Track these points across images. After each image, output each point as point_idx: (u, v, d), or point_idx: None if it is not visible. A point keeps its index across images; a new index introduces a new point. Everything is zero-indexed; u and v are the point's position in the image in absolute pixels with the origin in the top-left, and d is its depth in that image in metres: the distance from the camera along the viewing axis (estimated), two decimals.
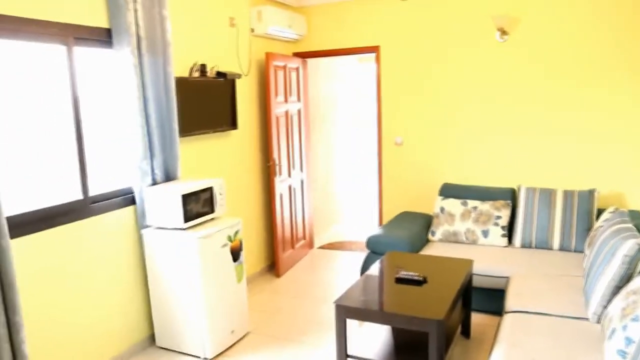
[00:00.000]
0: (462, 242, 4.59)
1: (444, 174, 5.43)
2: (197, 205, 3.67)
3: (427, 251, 4.44)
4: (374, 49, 5.59)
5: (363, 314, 3.00)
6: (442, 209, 4.72)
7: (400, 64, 5.47)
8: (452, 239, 4.62)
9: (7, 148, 2.97)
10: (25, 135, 3.08)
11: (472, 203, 4.65)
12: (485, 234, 4.49)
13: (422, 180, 5.55)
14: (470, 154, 5.27)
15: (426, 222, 4.91)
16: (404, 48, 5.42)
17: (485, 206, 4.59)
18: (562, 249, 4.30)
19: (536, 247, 4.39)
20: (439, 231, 4.67)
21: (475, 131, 5.22)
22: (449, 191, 4.93)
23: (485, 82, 5.11)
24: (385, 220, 5.81)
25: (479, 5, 5.01)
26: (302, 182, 5.97)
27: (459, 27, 5.13)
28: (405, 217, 5.03)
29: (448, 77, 5.26)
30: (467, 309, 3.75)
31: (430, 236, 4.74)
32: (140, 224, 3.72)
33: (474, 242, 4.54)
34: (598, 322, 2.86)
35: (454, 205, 4.69)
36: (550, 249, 4.34)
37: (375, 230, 4.69)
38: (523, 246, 4.43)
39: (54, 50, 3.22)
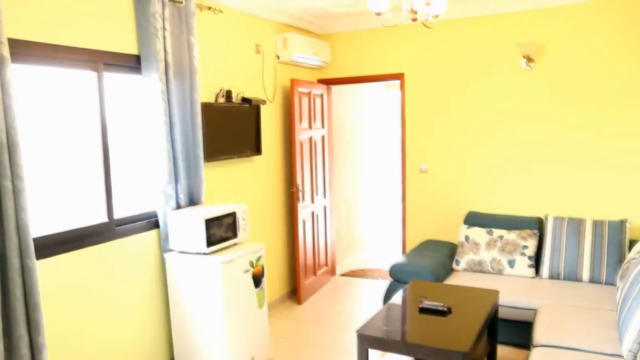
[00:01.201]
0: (487, 272, 4.49)
1: (468, 202, 5.35)
2: (220, 230, 3.67)
3: (452, 280, 4.35)
4: (398, 76, 5.60)
5: (386, 344, 2.93)
6: (466, 238, 4.64)
7: (425, 90, 5.46)
8: (477, 268, 4.52)
9: (36, 170, 3.02)
10: (53, 157, 3.14)
11: (497, 232, 4.57)
12: (512, 264, 4.39)
13: (447, 208, 5.48)
14: (495, 182, 5.20)
15: (450, 251, 4.83)
16: (429, 75, 5.42)
17: (511, 235, 4.49)
18: (592, 281, 4.17)
19: (565, 279, 4.26)
20: (464, 260, 4.58)
21: (501, 159, 5.15)
22: (473, 219, 4.85)
23: (511, 109, 5.06)
24: (408, 248, 5.73)
25: (504, 32, 5.00)
26: (325, 208, 5.95)
27: (485, 54, 5.12)
28: (429, 246, 4.95)
29: (473, 104, 5.23)
30: (493, 342, 3.64)
31: (454, 265, 4.65)
32: (164, 247, 3.73)
33: (499, 272, 4.44)
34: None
35: (479, 234, 4.61)
36: (580, 280, 4.22)
37: (398, 258, 4.63)
38: (551, 277, 4.31)
39: (84, 76, 3.29)
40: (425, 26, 3.30)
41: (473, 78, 5.20)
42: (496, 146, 5.16)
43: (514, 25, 4.96)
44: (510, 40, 4.98)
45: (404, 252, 5.75)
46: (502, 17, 5.00)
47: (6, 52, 2.62)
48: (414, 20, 3.20)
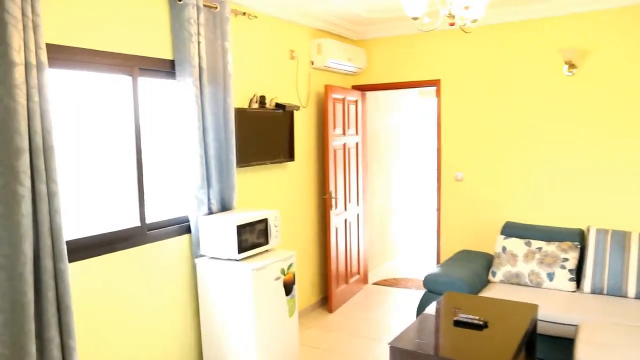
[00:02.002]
0: (525, 285, 4.33)
1: (506, 211, 5.19)
2: (252, 236, 3.64)
3: (488, 293, 4.21)
4: (434, 83, 5.50)
5: (419, 358, 2.84)
6: (503, 249, 4.50)
7: (462, 97, 5.34)
8: (514, 280, 4.37)
9: (70, 174, 3.05)
10: (88, 161, 3.17)
11: (536, 243, 4.41)
12: (551, 277, 4.22)
13: (483, 217, 5.33)
14: (534, 192, 5.03)
15: (486, 262, 4.69)
16: (466, 81, 5.30)
17: (550, 247, 4.33)
18: (638, 297, 3.97)
19: (608, 294, 4.08)
20: (500, 272, 4.43)
21: (540, 167, 4.98)
22: (511, 230, 4.69)
23: (551, 117, 4.89)
24: (443, 258, 5.60)
25: (545, 37, 4.85)
26: (358, 215, 5.87)
27: (524, 60, 4.97)
28: (464, 256, 4.82)
29: (512, 112, 5.08)
30: (531, 358, 3.49)
31: (490, 277, 4.51)
32: (195, 253, 3.72)
33: (538, 285, 4.27)
34: None
35: (516, 245, 4.46)
36: (625, 296, 4.02)
37: (433, 268, 4.51)
38: (593, 292, 4.13)
39: (120, 81, 3.32)
40: (464, 31, 3.20)
41: (512, 84, 5.06)
42: (535, 154, 5.00)
43: (555, 30, 4.80)
44: (552, 46, 4.82)
45: (438, 262, 5.63)
46: (543, 21, 4.85)
47: (44, 57, 2.65)
48: (452, 24, 3.12)
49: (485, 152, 5.26)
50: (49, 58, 2.79)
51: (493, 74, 5.15)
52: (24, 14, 2.57)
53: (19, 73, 2.54)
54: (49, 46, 2.78)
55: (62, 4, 2.88)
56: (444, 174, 5.52)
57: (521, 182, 5.09)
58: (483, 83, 5.21)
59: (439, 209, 5.59)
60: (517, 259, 4.39)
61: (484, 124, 5.24)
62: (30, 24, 2.59)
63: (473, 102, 5.28)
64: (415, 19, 3.12)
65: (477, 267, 4.50)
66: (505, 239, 4.57)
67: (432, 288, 4.31)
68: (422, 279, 6.04)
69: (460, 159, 5.41)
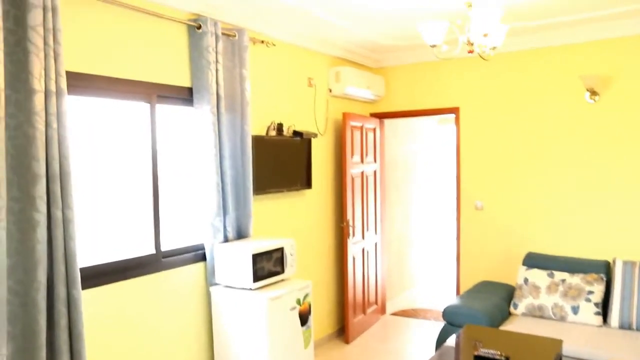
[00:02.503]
0: (548, 318, 4.19)
1: (527, 241, 5.07)
2: (267, 265, 3.59)
3: (509, 326, 4.08)
4: (453, 110, 5.46)
5: None
6: (525, 280, 4.37)
7: (481, 125, 5.28)
8: (537, 313, 4.23)
9: (86, 200, 3.05)
10: (104, 188, 3.17)
11: (559, 275, 4.27)
12: (576, 310, 4.08)
13: (504, 247, 5.21)
14: (557, 222, 4.91)
15: (508, 294, 4.56)
16: (485, 109, 5.25)
17: (575, 279, 4.19)
18: None
19: (638, 329, 3.91)
20: (522, 304, 4.30)
21: (562, 197, 4.87)
22: (533, 261, 4.57)
23: (573, 145, 4.80)
24: (463, 289, 5.47)
25: (566, 64, 4.79)
26: (376, 244, 5.79)
27: (544, 88, 4.91)
28: (485, 287, 4.69)
29: (533, 139, 5.00)
30: None
31: (512, 309, 4.37)
32: (210, 281, 3.68)
33: (562, 319, 4.13)
34: None
35: (539, 276, 4.33)
36: None
37: (452, 299, 4.40)
38: (621, 327, 3.97)
39: (137, 108, 3.34)
40: (482, 58, 3.17)
41: (532, 112, 4.99)
42: (557, 183, 4.89)
43: (576, 57, 4.74)
44: (573, 73, 4.76)
45: (458, 293, 5.50)
46: (564, 48, 4.80)
47: (64, 84, 2.68)
48: (471, 52, 3.09)
49: (506, 181, 5.16)
50: (68, 85, 2.81)
51: (513, 101, 5.09)
52: (45, 43, 2.61)
53: (38, 100, 2.56)
54: (69, 74, 2.82)
55: (82, 33, 2.92)
56: (464, 203, 5.43)
57: (543, 211, 4.98)
58: (503, 110, 5.15)
59: (458, 238, 5.49)
60: (540, 291, 4.25)
61: (504, 151, 5.16)
62: (51, 53, 2.63)
63: (493, 130, 5.22)
64: (433, 46, 3.11)
65: (498, 299, 4.37)
66: (527, 269, 4.44)
67: (452, 320, 4.19)
68: (442, 310, 5.91)
69: (479, 187, 5.32)
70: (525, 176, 5.06)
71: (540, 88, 4.94)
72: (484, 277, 5.34)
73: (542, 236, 4.99)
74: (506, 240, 5.20)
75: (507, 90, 5.12)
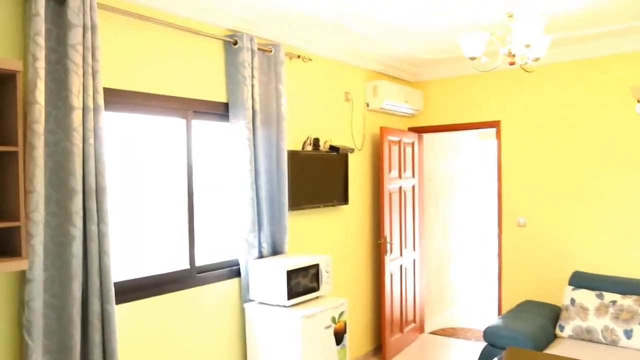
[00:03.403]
0: (598, 342, 3.97)
1: (573, 260, 4.85)
2: (303, 282, 3.53)
3: (555, 349, 3.88)
4: (494, 124, 5.31)
5: None
6: (572, 301, 4.17)
7: (524, 138, 5.11)
8: (585, 337, 4.02)
9: (121, 215, 3.07)
10: (139, 202, 3.19)
11: (609, 296, 4.06)
12: (629, 334, 3.85)
13: (548, 266, 5.00)
14: (605, 239, 4.68)
15: (553, 315, 4.35)
16: (528, 122, 5.08)
17: (627, 301, 3.97)
18: None
19: None
20: (569, 326, 4.10)
21: (611, 213, 4.65)
22: (580, 281, 4.35)
23: (622, 159, 4.58)
24: (505, 308, 5.27)
25: (614, 75, 4.60)
26: (414, 261, 5.66)
27: (591, 99, 4.72)
28: (528, 307, 4.50)
29: (578, 153, 4.81)
30: None
31: (558, 331, 4.17)
32: (244, 297, 3.64)
33: (613, 343, 3.91)
34: None
35: (587, 297, 4.12)
36: None
37: (493, 320, 4.23)
38: None
39: (173, 123, 3.36)
40: (525, 70, 3.06)
41: (578, 125, 4.80)
42: (606, 199, 4.68)
43: (625, 67, 4.55)
44: (621, 84, 4.56)
45: (499, 312, 5.30)
46: (611, 58, 4.61)
47: (101, 100, 2.71)
48: (512, 64, 2.99)
49: (550, 196, 4.97)
50: (105, 102, 2.85)
51: (557, 114, 4.91)
52: (84, 61, 2.65)
53: (76, 116, 2.60)
54: (106, 90, 2.85)
55: (119, 50, 2.96)
56: (505, 219, 5.25)
57: (590, 228, 4.76)
58: (546, 123, 4.98)
59: (499, 256, 5.31)
60: (588, 312, 4.05)
61: (548, 166, 4.97)
62: (90, 70, 2.67)
63: (536, 144, 5.04)
64: (473, 59, 3.02)
65: (542, 320, 4.18)
66: (573, 289, 4.24)
67: (493, 341, 4.03)
68: (482, 329, 5.72)
69: (522, 203, 5.14)
70: (570, 191, 4.86)
71: (586, 100, 4.76)
72: (526, 297, 5.13)
73: (589, 255, 4.77)
74: (551, 258, 4.99)
75: (550, 103, 4.95)
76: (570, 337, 4.10)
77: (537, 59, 3.01)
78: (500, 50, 3.03)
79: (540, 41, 2.93)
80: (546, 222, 5.00)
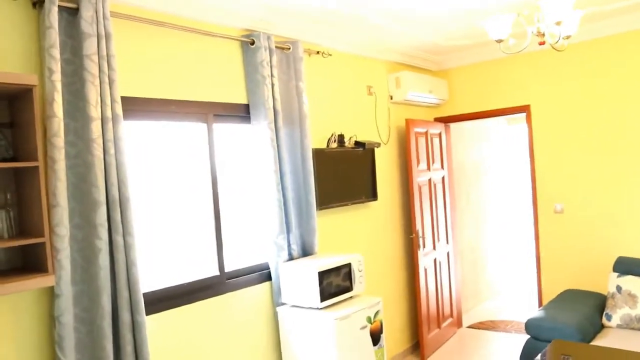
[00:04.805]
0: None
1: (616, 245, 4.65)
2: (335, 282, 3.44)
3: (603, 340, 3.71)
4: (523, 109, 5.13)
5: None
6: (618, 288, 3.98)
7: (556, 121, 4.92)
8: (635, 325, 3.84)
9: (147, 224, 3.03)
10: (164, 211, 3.14)
11: None
12: None
13: (590, 253, 4.80)
14: None
15: (598, 303, 4.17)
16: (560, 104, 4.88)
17: None
18: None
19: None
20: (617, 315, 3.91)
21: None
22: (626, 267, 4.15)
23: None
24: (545, 299, 5.09)
25: None
26: (448, 254, 5.52)
27: (628, 76, 4.50)
28: (570, 297, 4.33)
29: (615, 133, 4.59)
30: None
31: (605, 321, 3.99)
32: (276, 301, 3.57)
33: None
34: None
35: (634, 283, 3.93)
36: None
37: (535, 311, 4.08)
38: None
39: (194, 128, 3.30)
40: (555, 50, 2.91)
41: (614, 103, 4.59)
42: None
43: None
44: None
45: (540, 304, 5.12)
46: None
47: (119, 109, 2.67)
48: (542, 44, 2.85)
49: (589, 180, 4.77)
50: (124, 110, 2.81)
51: (591, 94, 4.70)
52: (101, 70, 2.61)
53: (95, 127, 2.56)
54: (124, 99, 2.81)
55: (135, 57, 2.92)
56: (541, 206, 5.07)
57: (632, 211, 4.55)
58: (580, 104, 4.78)
59: (537, 245, 5.13)
60: (637, 299, 3.86)
61: (584, 149, 4.77)
62: (106, 79, 2.63)
63: (569, 126, 4.85)
64: (499, 41, 2.88)
65: (587, 309, 4.00)
66: (619, 276, 4.05)
67: (536, 334, 3.88)
68: (523, 321, 5.55)
69: (559, 189, 4.95)
70: (609, 174, 4.66)
71: (622, 77, 4.54)
72: (568, 286, 4.95)
73: (633, 239, 4.56)
74: (591, 244, 4.79)
75: (583, 82, 4.74)
76: (619, 326, 3.91)
77: (568, 37, 2.86)
78: (529, 30, 2.88)
79: (571, 17, 2.77)
80: (585, 208, 4.81)
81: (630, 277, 4.00)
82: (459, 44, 4.92)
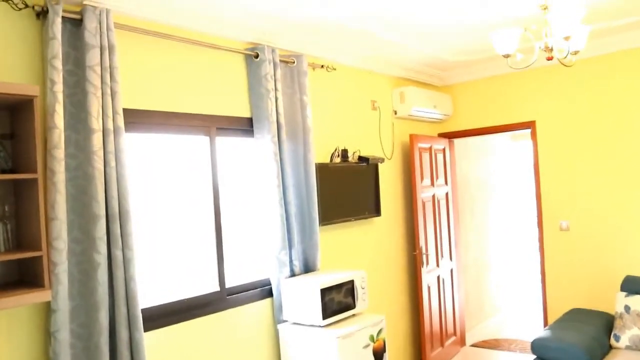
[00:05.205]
0: None
1: (623, 264, 4.57)
2: (337, 300, 3.37)
3: None
4: (528, 125, 5.09)
5: None
6: (627, 308, 3.91)
7: (562, 138, 4.87)
8: None
9: (147, 237, 2.97)
10: (164, 224, 3.09)
11: None
12: None
13: (597, 271, 4.73)
14: None
15: (605, 323, 4.09)
16: (566, 120, 4.84)
17: None
18: None
19: None
20: (625, 336, 3.83)
21: None
22: (634, 286, 4.08)
23: None
24: (551, 317, 5.00)
25: None
26: (451, 271, 5.45)
27: (635, 92, 4.46)
28: (576, 316, 4.25)
29: (622, 150, 4.54)
30: None
31: (613, 341, 3.91)
32: (277, 318, 3.50)
33: None
34: None
35: None
36: None
37: (541, 331, 4.00)
38: None
39: (196, 141, 3.26)
40: (564, 65, 2.87)
41: (621, 120, 4.54)
42: None
43: None
44: None
45: (545, 322, 5.03)
46: None
47: (121, 122, 2.63)
48: (550, 59, 2.81)
49: (595, 198, 4.71)
50: (126, 122, 2.77)
51: (598, 110, 4.66)
52: (103, 82, 2.59)
53: (97, 139, 2.53)
54: (126, 111, 2.77)
55: (138, 69, 2.89)
56: (546, 223, 5.00)
57: None
58: (586, 120, 4.73)
59: (542, 262, 5.05)
60: None
61: (590, 165, 4.72)
62: (108, 91, 2.60)
63: (575, 142, 4.80)
64: (506, 56, 2.85)
65: (594, 329, 3.92)
66: (627, 296, 3.98)
67: (542, 354, 3.79)
68: (527, 339, 5.47)
69: (564, 206, 4.88)
70: (616, 192, 4.60)
71: (630, 94, 4.49)
72: (574, 305, 4.86)
73: None
74: (598, 263, 4.72)
75: (590, 98, 4.70)
76: (628, 347, 3.83)
77: (576, 52, 2.82)
78: (536, 45, 2.85)
79: (579, 32, 2.74)
80: (591, 225, 4.74)
81: (638, 296, 3.92)
82: (464, 59, 4.89)
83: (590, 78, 4.69)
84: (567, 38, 2.58)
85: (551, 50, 2.74)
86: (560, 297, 4.94)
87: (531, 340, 3.93)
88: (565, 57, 2.78)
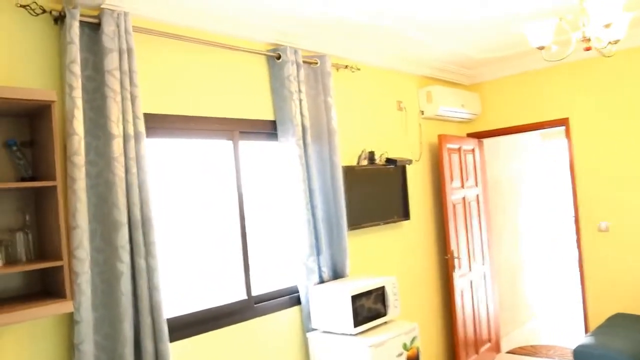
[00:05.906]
0: None
1: None
2: (368, 307, 3.25)
3: None
4: (562, 122, 4.89)
5: None
6: None
7: (599, 134, 4.66)
8: None
9: (171, 245, 2.90)
10: (189, 232, 3.02)
11: None
12: None
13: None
14: None
15: None
16: (603, 116, 4.63)
17: None
18: None
19: None
20: None
21: None
22: None
23: None
24: (592, 323, 4.78)
25: None
26: (484, 275, 5.27)
27: None
28: (621, 321, 4.04)
29: None
30: None
31: None
32: (306, 326, 3.39)
33: None
34: None
35: None
36: None
37: (583, 337, 3.80)
38: None
39: (219, 146, 3.19)
40: (603, 55, 2.71)
41: None
42: None
43: None
44: None
45: (587, 329, 4.81)
46: None
47: (142, 127, 2.57)
48: (588, 49, 2.65)
49: (636, 197, 4.49)
50: (147, 127, 2.70)
51: (638, 104, 4.45)
52: (122, 86, 2.53)
53: (117, 145, 2.46)
54: (147, 116, 2.71)
55: (158, 73, 2.83)
56: (584, 224, 4.79)
57: None
58: (625, 115, 4.51)
59: (580, 265, 4.84)
60: None
61: (631, 162, 4.50)
62: (128, 96, 2.55)
63: (614, 139, 4.58)
64: (541, 48, 2.70)
65: None
66: None
67: None
68: (566, 346, 5.25)
69: (603, 206, 4.67)
70: None
71: None
72: (617, 309, 4.63)
73: None
74: None
75: (629, 92, 4.48)
76: None
77: (616, 41, 2.66)
78: (573, 35, 2.70)
79: (620, 19, 2.58)
80: (633, 226, 4.52)
81: None
82: (492, 56, 4.74)
83: (628, 70, 4.47)
84: (607, 25, 2.42)
85: (589, 40, 2.59)
86: (602, 301, 4.72)
87: (572, 347, 3.75)
88: (605, 47, 2.62)
